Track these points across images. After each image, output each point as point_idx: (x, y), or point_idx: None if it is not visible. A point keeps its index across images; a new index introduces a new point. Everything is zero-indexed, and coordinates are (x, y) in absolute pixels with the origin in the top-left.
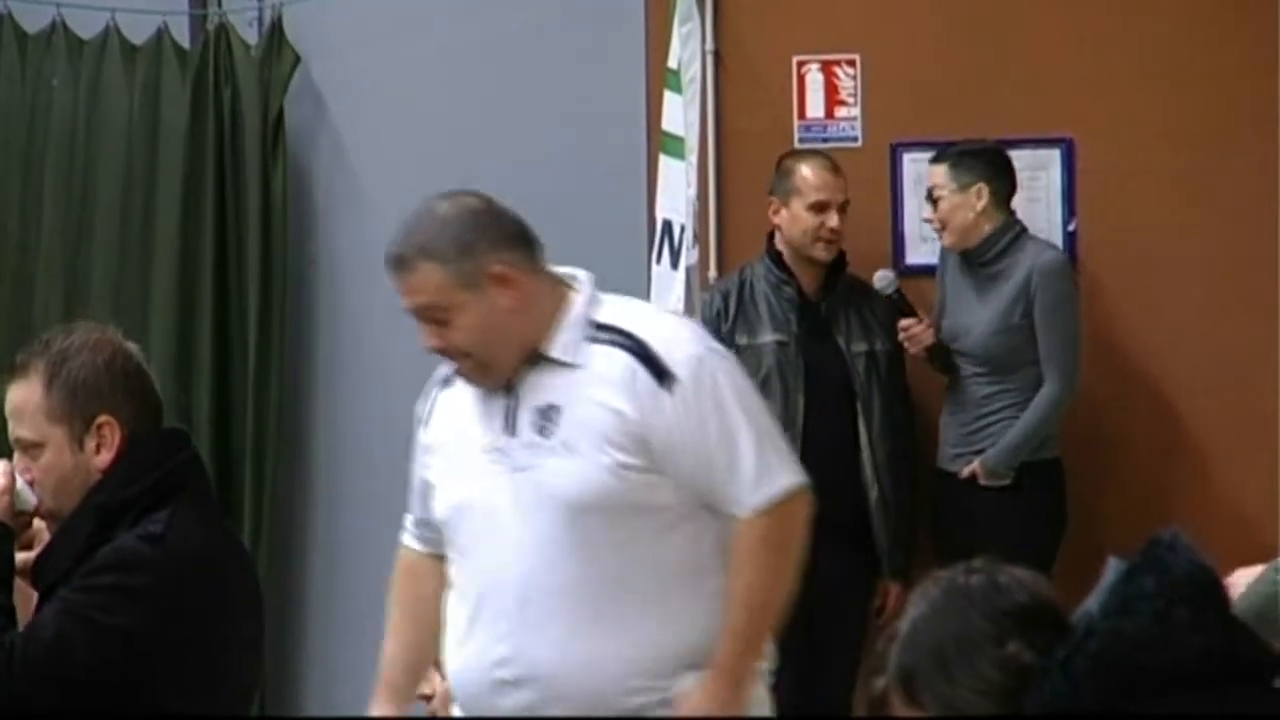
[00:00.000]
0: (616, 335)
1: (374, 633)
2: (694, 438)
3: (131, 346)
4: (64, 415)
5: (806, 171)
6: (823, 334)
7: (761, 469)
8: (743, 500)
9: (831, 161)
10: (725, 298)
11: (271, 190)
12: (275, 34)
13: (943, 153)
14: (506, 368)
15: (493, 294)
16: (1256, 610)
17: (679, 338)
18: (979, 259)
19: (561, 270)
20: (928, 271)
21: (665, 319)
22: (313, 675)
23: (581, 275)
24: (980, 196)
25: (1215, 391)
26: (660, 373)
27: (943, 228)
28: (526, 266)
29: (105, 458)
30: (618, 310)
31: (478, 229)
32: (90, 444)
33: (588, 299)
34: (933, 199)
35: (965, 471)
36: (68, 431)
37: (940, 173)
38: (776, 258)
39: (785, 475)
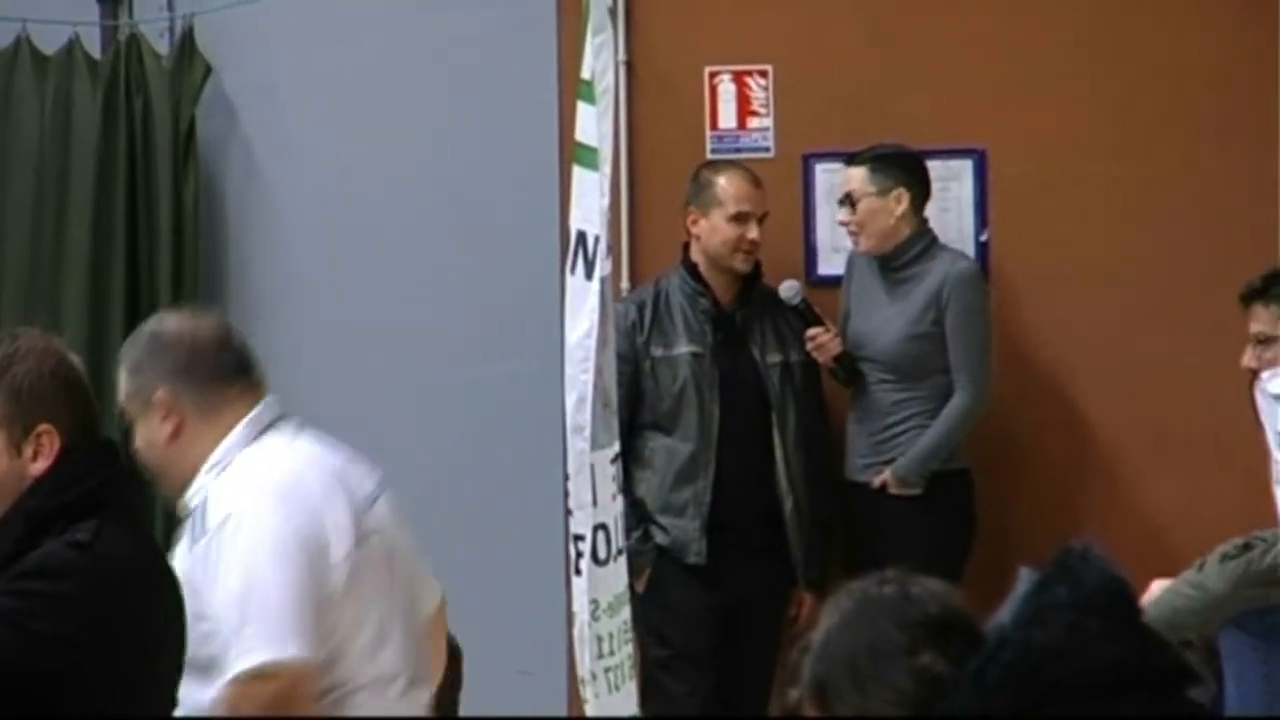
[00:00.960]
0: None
1: None
2: (206, 596)
3: (75, 358)
4: (4, 420)
5: (726, 183)
6: (738, 345)
7: (239, 639)
8: (223, 666)
9: (751, 173)
10: (641, 309)
11: (183, 200)
12: (187, 44)
13: (860, 155)
14: (173, 489)
15: (155, 419)
16: (1167, 620)
17: (230, 493)
18: (892, 264)
19: (254, 411)
20: (841, 282)
21: (249, 471)
22: None
23: (251, 416)
24: (900, 201)
25: (1125, 401)
26: (199, 527)
27: (859, 231)
28: (195, 403)
29: (41, 465)
30: (238, 459)
31: (156, 353)
32: (28, 451)
33: (231, 445)
34: (851, 202)
35: (876, 481)
36: (6, 436)
37: (859, 176)
38: (692, 269)
39: (255, 652)
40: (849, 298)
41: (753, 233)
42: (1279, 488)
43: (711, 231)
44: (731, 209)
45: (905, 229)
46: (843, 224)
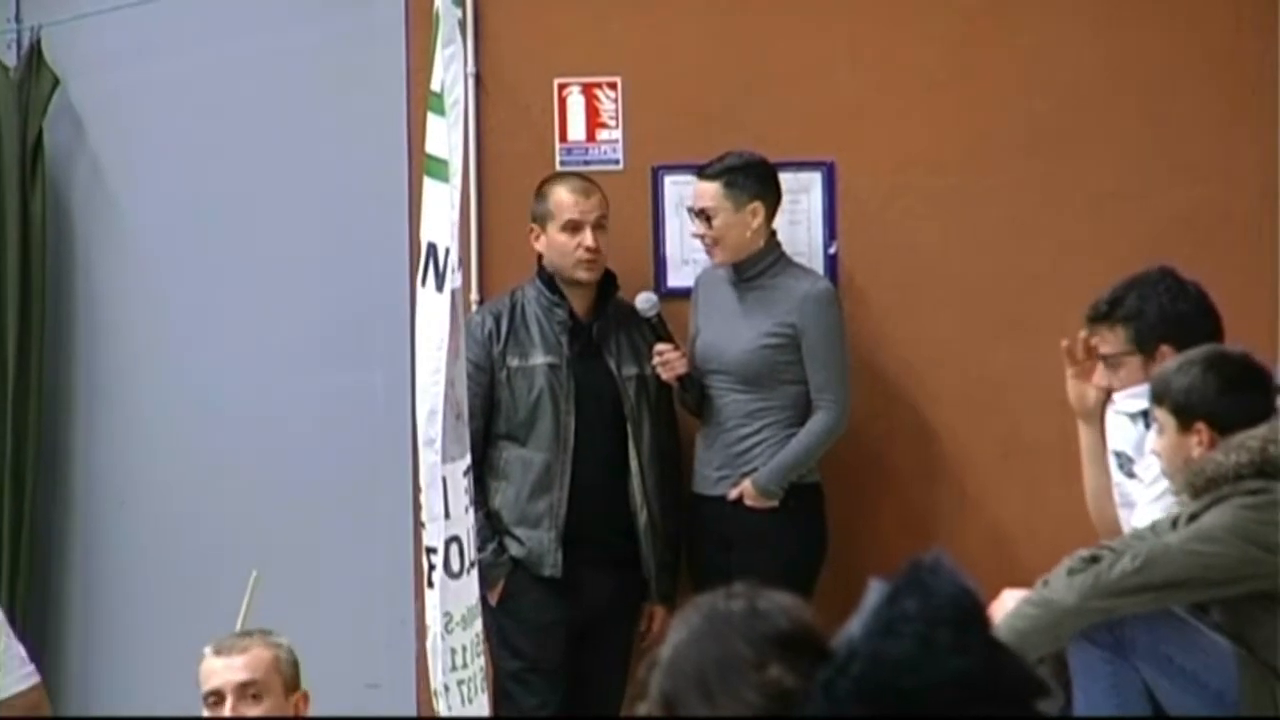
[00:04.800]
0: None
1: (130, 659)
2: None
3: None
4: None
5: (555, 194)
6: (594, 357)
7: None
8: None
9: (583, 180)
10: (497, 319)
11: (30, 213)
12: (34, 56)
13: (712, 169)
14: None
15: None
16: (1017, 647)
17: None
18: (745, 274)
19: None
20: (690, 294)
21: None
22: (70, 700)
23: None
24: (756, 215)
25: (972, 413)
26: None
27: (715, 244)
28: None
29: None
30: None
31: None
32: None
33: None
34: (706, 217)
35: (733, 494)
36: None
37: (714, 192)
38: (548, 280)
39: None
40: (698, 316)
41: (587, 240)
42: (1123, 510)
43: (550, 245)
44: (562, 218)
45: (760, 240)
46: (697, 237)
